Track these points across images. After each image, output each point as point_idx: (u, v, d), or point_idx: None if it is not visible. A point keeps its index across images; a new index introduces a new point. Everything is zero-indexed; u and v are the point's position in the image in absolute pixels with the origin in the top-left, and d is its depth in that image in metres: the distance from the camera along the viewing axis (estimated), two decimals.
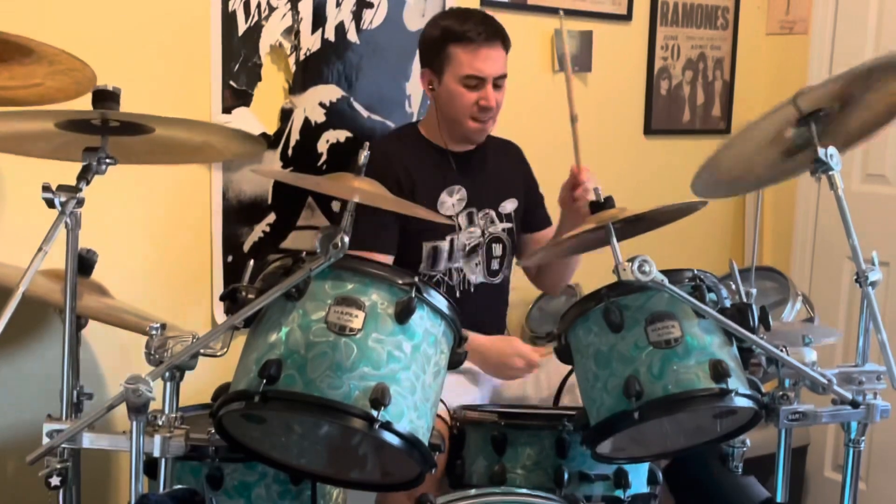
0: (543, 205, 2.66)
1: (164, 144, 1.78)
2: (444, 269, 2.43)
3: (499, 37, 2.38)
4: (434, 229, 2.36)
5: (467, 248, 2.46)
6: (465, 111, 2.38)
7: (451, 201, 2.45)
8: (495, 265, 2.52)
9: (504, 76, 2.41)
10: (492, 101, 2.37)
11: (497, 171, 2.56)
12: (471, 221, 2.47)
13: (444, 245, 2.42)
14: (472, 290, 2.47)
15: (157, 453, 1.59)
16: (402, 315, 1.58)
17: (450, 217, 2.43)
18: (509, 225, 2.54)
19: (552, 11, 3.00)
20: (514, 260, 2.60)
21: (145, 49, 2.33)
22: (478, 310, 2.43)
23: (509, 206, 2.55)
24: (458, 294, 2.44)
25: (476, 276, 2.49)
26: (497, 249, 2.51)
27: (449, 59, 2.36)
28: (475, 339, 2.20)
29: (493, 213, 2.51)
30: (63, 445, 1.59)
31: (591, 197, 1.82)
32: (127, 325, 1.95)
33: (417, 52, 2.52)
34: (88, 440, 1.60)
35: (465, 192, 2.46)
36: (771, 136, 1.88)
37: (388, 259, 2.33)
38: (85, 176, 1.60)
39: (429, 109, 2.52)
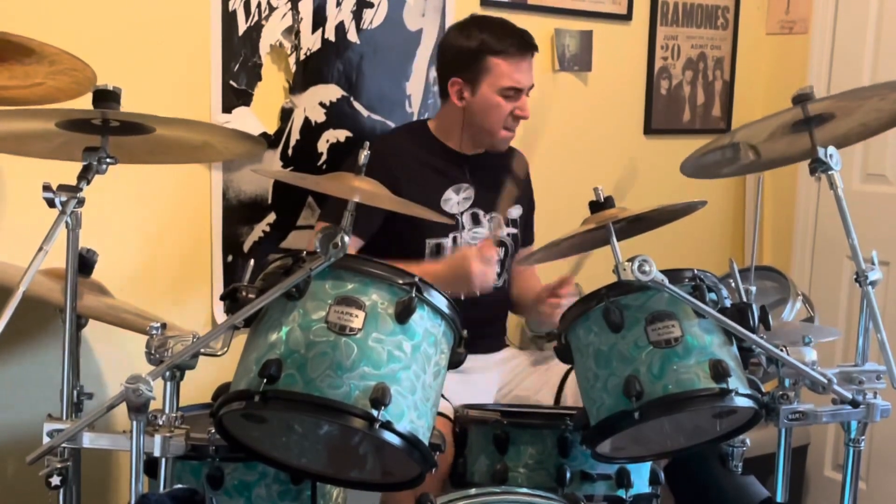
0: (532, 223, 2.67)
1: (164, 144, 1.78)
2: None
3: (534, 49, 2.43)
4: (436, 226, 2.37)
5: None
6: (500, 121, 2.41)
7: (457, 199, 2.45)
8: (498, 268, 2.52)
9: (533, 86, 2.45)
10: (527, 112, 2.42)
11: (506, 176, 2.56)
12: (476, 222, 2.47)
13: (448, 242, 2.43)
14: (478, 293, 2.47)
15: (157, 453, 1.58)
16: (403, 315, 1.58)
17: (452, 215, 2.43)
18: (514, 231, 2.55)
19: (552, 11, 3.01)
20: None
21: (145, 49, 2.33)
22: (481, 312, 2.42)
23: (515, 212, 2.56)
24: (462, 296, 2.44)
25: None
26: (500, 253, 2.51)
27: (487, 69, 2.38)
28: (428, 268, 2.23)
29: (500, 218, 2.51)
30: (63, 445, 1.59)
31: (559, 312, 1.89)
32: (127, 324, 1.95)
33: (439, 58, 2.51)
34: (89, 440, 1.60)
35: (472, 192, 2.47)
36: (768, 132, 1.89)
37: (357, 242, 2.32)
38: (85, 176, 1.60)
39: (442, 112, 2.52)
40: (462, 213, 2.46)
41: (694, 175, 2.03)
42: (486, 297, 2.48)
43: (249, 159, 2.49)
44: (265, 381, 1.52)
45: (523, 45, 2.41)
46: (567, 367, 2.13)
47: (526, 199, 2.63)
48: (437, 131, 2.50)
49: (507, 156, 2.58)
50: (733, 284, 1.79)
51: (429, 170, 2.43)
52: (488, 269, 2.24)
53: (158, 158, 1.92)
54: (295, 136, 2.59)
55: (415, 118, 2.76)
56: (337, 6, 2.60)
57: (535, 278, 2.66)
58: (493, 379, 2.45)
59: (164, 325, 1.63)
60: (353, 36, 2.64)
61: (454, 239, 2.44)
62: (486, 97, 2.39)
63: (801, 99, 1.79)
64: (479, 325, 2.22)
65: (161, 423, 1.59)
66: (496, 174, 2.53)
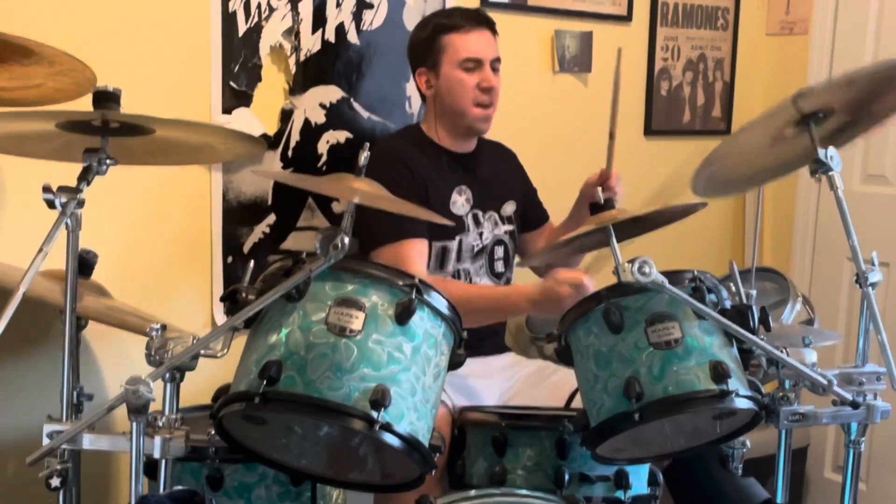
0: (539, 201, 2.68)
1: (164, 145, 1.78)
2: (451, 270, 2.44)
3: (485, 22, 2.44)
4: (444, 229, 2.37)
5: (475, 250, 2.47)
6: (468, 97, 2.40)
7: (461, 201, 2.46)
8: (499, 267, 2.52)
9: (499, 60, 2.45)
10: (493, 81, 2.41)
11: (496, 173, 2.57)
12: (477, 222, 2.48)
13: (453, 245, 2.43)
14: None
15: (157, 454, 1.58)
16: (403, 316, 1.58)
17: (459, 217, 2.43)
18: (511, 227, 2.55)
19: (552, 12, 3.01)
20: (516, 260, 2.60)
21: (145, 49, 2.33)
22: None
23: (509, 208, 2.56)
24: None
25: (482, 279, 2.49)
26: (499, 251, 2.52)
27: (443, 48, 2.40)
28: (520, 289, 2.24)
29: (496, 216, 2.52)
30: (63, 446, 1.59)
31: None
32: (127, 325, 1.95)
33: (408, 59, 2.53)
34: (88, 441, 1.59)
35: (470, 193, 2.48)
36: (770, 135, 1.88)
37: (425, 245, 2.33)
38: (85, 177, 1.60)
39: (427, 111, 2.53)
40: (466, 215, 2.46)
41: (703, 194, 1.98)
42: None
43: (249, 160, 2.49)
44: (265, 382, 1.52)
45: (473, 17, 2.43)
46: (572, 379, 2.13)
47: (520, 191, 2.63)
48: (429, 132, 2.51)
49: (493, 152, 2.58)
50: (733, 286, 1.78)
51: (434, 172, 2.44)
52: (585, 290, 2.11)
53: (159, 159, 1.92)
54: (295, 137, 2.59)
55: (414, 119, 2.77)
56: (337, 7, 2.60)
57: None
58: (494, 386, 2.44)
59: (163, 327, 1.63)
60: (353, 37, 2.64)
61: (459, 242, 2.44)
62: (447, 76, 2.41)
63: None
64: (476, 327, 2.23)
65: (161, 424, 1.59)
66: (486, 171, 2.53)
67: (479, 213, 2.49)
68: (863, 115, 1.88)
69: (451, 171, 2.47)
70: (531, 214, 2.64)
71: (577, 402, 2.18)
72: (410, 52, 2.51)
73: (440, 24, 2.42)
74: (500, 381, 2.46)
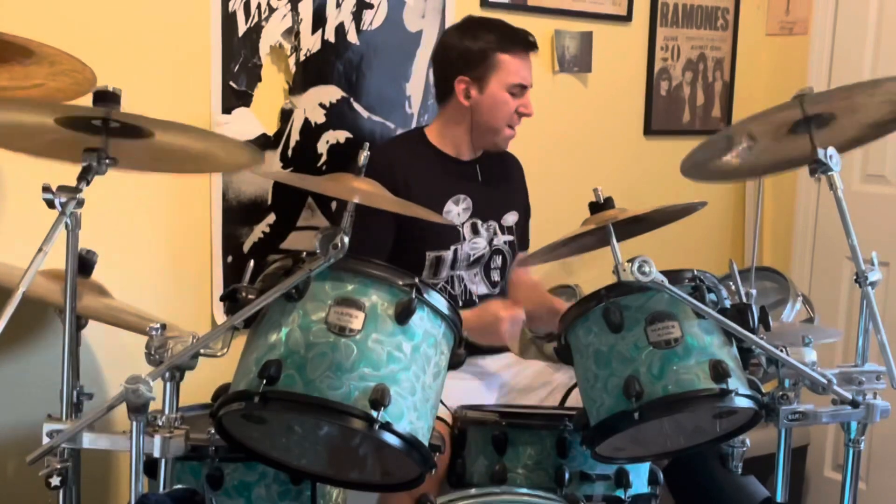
0: (528, 228, 2.67)
1: (164, 151, 1.77)
2: (445, 276, 2.43)
3: (534, 48, 2.48)
4: (438, 239, 2.37)
5: (471, 258, 2.46)
6: (506, 118, 2.43)
7: (457, 210, 2.45)
8: (495, 276, 2.52)
9: (531, 86, 2.48)
10: (531, 109, 2.45)
11: (501, 182, 2.56)
12: (475, 232, 2.47)
13: (448, 255, 2.42)
14: (477, 300, 2.47)
15: (157, 453, 1.58)
16: (402, 316, 1.58)
17: (454, 227, 2.42)
18: (511, 238, 2.54)
19: (552, 12, 3.01)
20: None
21: (145, 50, 2.33)
22: None
23: (511, 218, 2.55)
24: (460, 303, 2.43)
25: (478, 287, 2.48)
26: (497, 261, 2.51)
27: (495, 66, 2.39)
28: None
29: (496, 225, 2.51)
30: (63, 445, 1.59)
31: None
32: (127, 325, 1.95)
33: (441, 60, 2.50)
34: (88, 440, 1.60)
35: (470, 202, 2.46)
36: (769, 132, 1.89)
37: None
38: (85, 176, 1.60)
39: (442, 116, 2.51)
40: (462, 225, 2.45)
41: (695, 177, 2.02)
42: (484, 299, 2.48)
43: None
44: (265, 381, 1.52)
45: (528, 43, 2.45)
46: (570, 384, 2.14)
47: (522, 204, 2.63)
48: (435, 138, 2.48)
49: (499, 160, 2.57)
50: (733, 285, 1.79)
51: (430, 182, 2.42)
52: (515, 331, 2.31)
53: (159, 166, 1.90)
54: (295, 137, 2.59)
55: (415, 119, 2.76)
56: (337, 7, 2.60)
57: (531, 283, 2.66)
58: (492, 385, 2.44)
59: (163, 326, 1.63)
60: (352, 37, 2.64)
61: (455, 252, 2.43)
62: (494, 94, 2.40)
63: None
64: None
65: (161, 423, 1.59)
66: (491, 180, 2.52)
67: (478, 223, 2.48)
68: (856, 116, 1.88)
69: (450, 179, 2.46)
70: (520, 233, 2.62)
71: (573, 401, 2.19)
72: (455, 56, 2.44)
73: (499, 43, 2.40)
74: (498, 382, 2.46)
